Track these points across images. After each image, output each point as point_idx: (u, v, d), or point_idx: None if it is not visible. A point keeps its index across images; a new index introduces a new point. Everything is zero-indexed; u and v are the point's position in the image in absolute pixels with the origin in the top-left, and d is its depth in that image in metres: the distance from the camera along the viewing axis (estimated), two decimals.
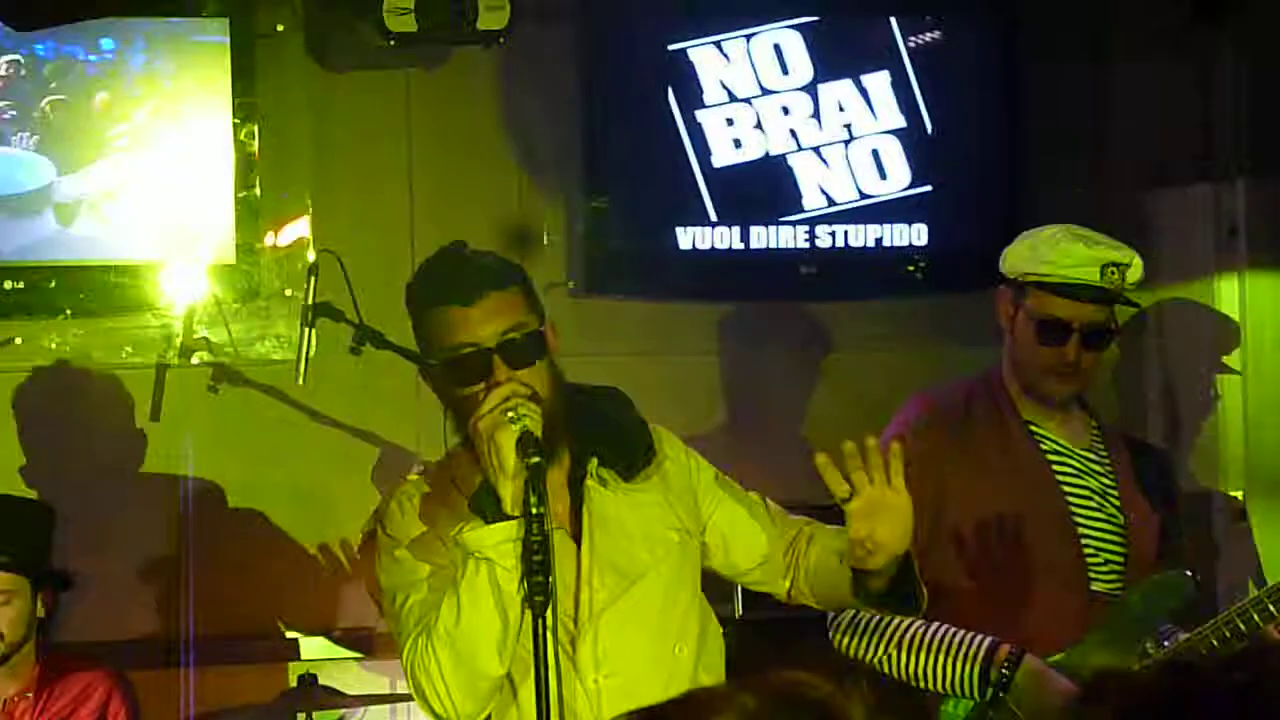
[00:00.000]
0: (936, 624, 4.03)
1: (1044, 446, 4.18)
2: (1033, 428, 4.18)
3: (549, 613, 3.14)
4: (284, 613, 5.41)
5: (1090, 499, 4.17)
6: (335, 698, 5.10)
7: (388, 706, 5.19)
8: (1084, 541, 4.13)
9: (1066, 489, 4.16)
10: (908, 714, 1.53)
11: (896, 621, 4.04)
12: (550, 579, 3.13)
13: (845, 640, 4.09)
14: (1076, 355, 4.09)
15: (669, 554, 3.44)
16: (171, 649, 5.26)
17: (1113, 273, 4.06)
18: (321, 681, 5.09)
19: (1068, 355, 4.08)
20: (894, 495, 3.27)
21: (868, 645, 4.07)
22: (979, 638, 4.00)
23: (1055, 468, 4.17)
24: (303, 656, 5.33)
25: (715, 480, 3.58)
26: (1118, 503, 4.19)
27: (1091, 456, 4.22)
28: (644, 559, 3.41)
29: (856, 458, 3.27)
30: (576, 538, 3.39)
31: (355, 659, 5.34)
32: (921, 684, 4.04)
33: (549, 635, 3.15)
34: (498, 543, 3.17)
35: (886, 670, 4.06)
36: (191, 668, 5.25)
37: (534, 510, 3.10)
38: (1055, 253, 4.07)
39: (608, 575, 3.38)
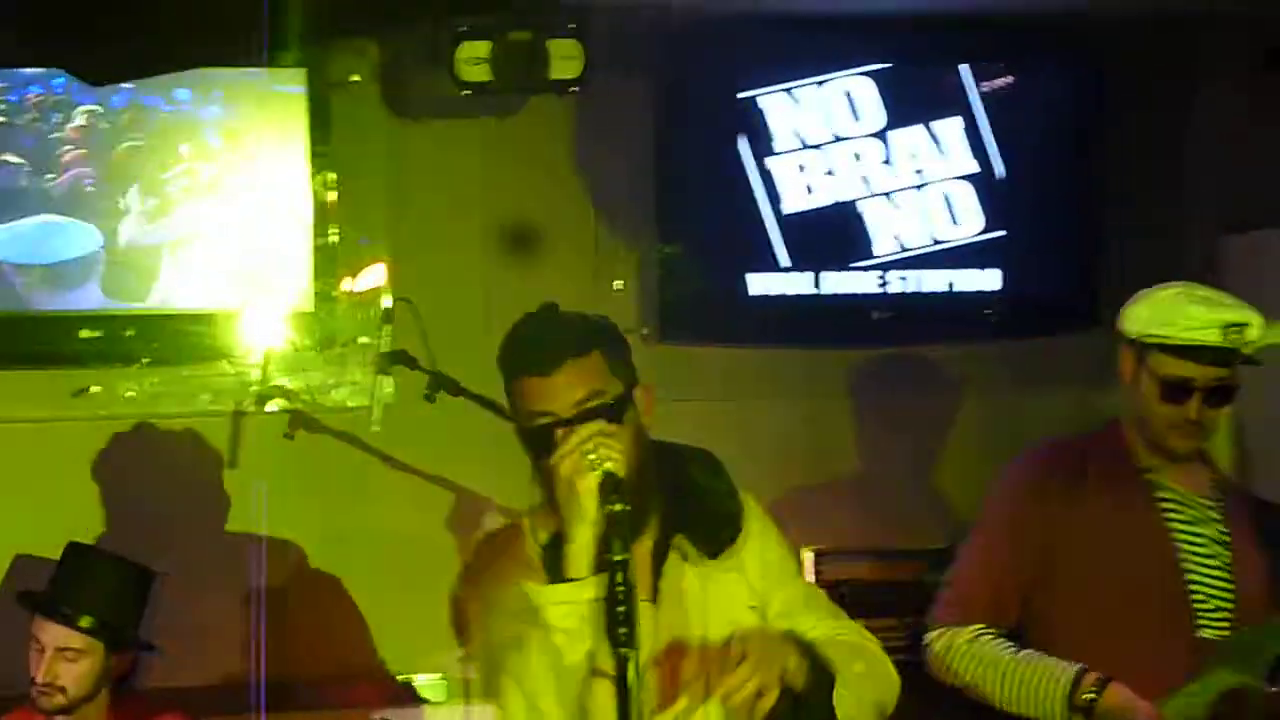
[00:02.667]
0: (1028, 650, 4.08)
1: (1158, 495, 4.21)
2: (1149, 476, 4.21)
3: (635, 678, 2.99)
4: (360, 657, 5.42)
5: (1205, 546, 4.20)
6: None
7: None
8: (1194, 588, 4.15)
9: (1182, 536, 4.18)
10: None
11: (989, 646, 4.10)
12: (635, 631, 2.98)
13: (939, 664, 4.12)
14: (1199, 413, 4.14)
15: None
16: (247, 694, 5.29)
17: (1234, 333, 4.11)
18: None
19: (1189, 413, 4.13)
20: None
21: (961, 668, 4.11)
22: (1067, 664, 4.04)
23: (1170, 515, 4.20)
24: (379, 701, 5.34)
25: (781, 561, 3.44)
26: (1231, 551, 4.21)
27: (1210, 504, 4.25)
28: (720, 639, 3.24)
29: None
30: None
31: (432, 703, 5.35)
32: (1011, 707, 4.08)
33: (639, 693, 3.07)
34: (556, 603, 3.07)
35: (978, 690, 4.09)
36: (265, 713, 5.27)
37: (616, 558, 2.97)
38: (1177, 315, 4.11)
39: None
